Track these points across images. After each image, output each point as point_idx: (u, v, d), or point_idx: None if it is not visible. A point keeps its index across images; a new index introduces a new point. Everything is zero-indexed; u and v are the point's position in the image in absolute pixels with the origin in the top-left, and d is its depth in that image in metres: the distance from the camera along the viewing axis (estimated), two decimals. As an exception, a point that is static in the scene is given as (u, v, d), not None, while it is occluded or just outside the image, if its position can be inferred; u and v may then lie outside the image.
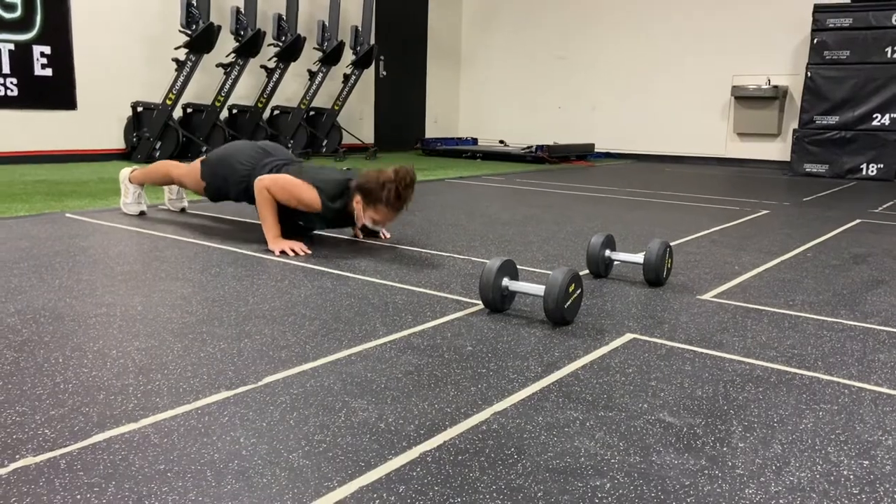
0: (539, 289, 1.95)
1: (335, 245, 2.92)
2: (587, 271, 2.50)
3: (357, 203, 2.72)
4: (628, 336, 1.84)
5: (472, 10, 9.37)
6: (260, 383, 1.46)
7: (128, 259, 2.55)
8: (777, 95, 7.13)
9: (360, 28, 7.23)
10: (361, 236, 3.08)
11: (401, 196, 2.66)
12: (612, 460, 1.19)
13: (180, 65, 5.85)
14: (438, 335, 1.81)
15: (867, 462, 1.21)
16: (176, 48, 5.83)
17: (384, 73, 8.39)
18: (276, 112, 6.96)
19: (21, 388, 1.41)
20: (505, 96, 9.14)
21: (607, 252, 2.47)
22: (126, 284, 2.20)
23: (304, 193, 2.73)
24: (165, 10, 6.08)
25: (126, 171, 3.47)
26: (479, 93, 9.37)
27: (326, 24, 6.91)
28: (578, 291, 1.95)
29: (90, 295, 2.07)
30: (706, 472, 1.16)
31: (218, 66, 6.09)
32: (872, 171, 6.40)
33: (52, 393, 1.39)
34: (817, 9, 6.52)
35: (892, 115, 6.31)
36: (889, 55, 6.26)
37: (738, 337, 1.86)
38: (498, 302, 2.00)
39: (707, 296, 2.28)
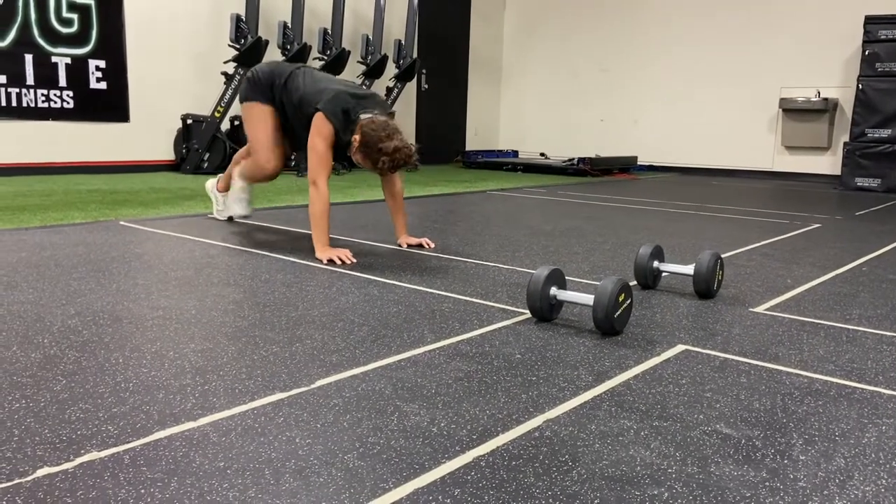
0: (588, 298, 1.93)
1: (380, 255, 2.94)
2: (635, 282, 2.48)
3: (355, 140, 2.78)
4: (680, 347, 1.82)
5: (514, 24, 9.40)
6: (313, 386, 1.48)
7: (181, 265, 2.61)
8: (827, 108, 6.98)
9: (403, 42, 7.31)
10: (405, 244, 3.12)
11: (385, 171, 2.81)
12: (669, 470, 1.17)
13: (229, 78, 5.98)
14: (486, 343, 1.81)
15: (936, 478, 1.17)
16: (225, 62, 5.98)
17: (426, 86, 8.45)
18: (320, 124, 7.05)
19: (84, 386, 1.45)
20: (546, 109, 9.13)
21: (656, 263, 2.44)
22: (180, 289, 2.25)
23: (327, 134, 2.82)
24: (215, 26, 6.24)
25: (211, 182, 3.71)
26: (520, 105, 9.38)
27: (370, 38, 7.01)
28: (628, 301, 1.93)
29: (146, 298, 2.12)
30: (767, 484, 1.14)
31: (265, 79, 6.21)
32: (927, 186, 6.22)
33: (114, 391, 1.42)
34: (868, 20, 6.38)
35: (947, 128, 6.13)
36: (944, 66, 6.10)
37: (795, 350, 1.82)
38: (546, 311, 1.99)
39: (760, 308, 2.24)
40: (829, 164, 7.19)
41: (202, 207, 4.08)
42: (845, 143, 6.65)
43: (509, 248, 3.18)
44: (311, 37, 6.57)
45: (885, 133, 6.36)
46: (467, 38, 9.08)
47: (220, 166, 6.15)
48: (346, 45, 6.81)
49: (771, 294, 2.44)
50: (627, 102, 8.42)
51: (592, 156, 8.16)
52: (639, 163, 8.14)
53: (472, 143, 9.23)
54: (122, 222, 3.49)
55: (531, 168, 7.77)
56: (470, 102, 9.17)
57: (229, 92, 6.00)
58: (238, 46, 5.90)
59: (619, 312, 1.89)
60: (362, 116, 2.79)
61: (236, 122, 6.41)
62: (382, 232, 3.49)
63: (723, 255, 3.09)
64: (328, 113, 2.82)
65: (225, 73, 5.98)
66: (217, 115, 6.04)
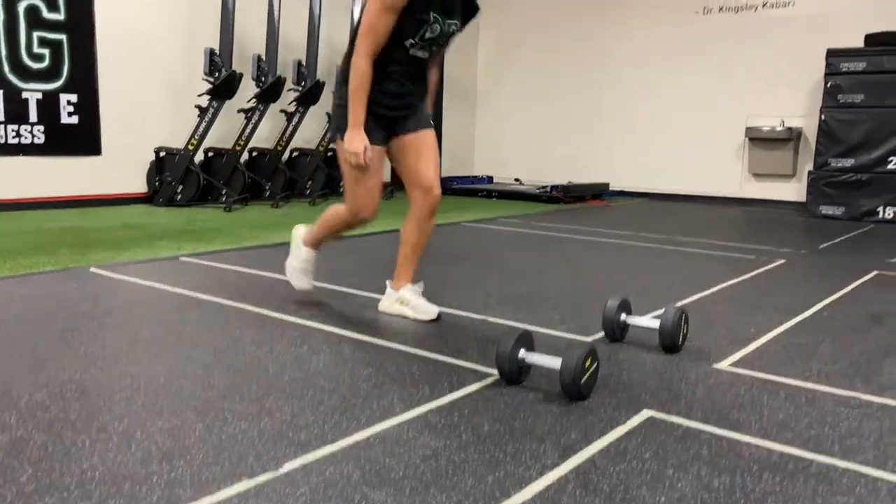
0: (556, 362, 1.97)
1: (353, 303, 2.95)
2: (602, 334, 2.52)
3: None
4: (645, 413, 1.85)
5: (488, 50, 9.50)
6: (280, 471, 1.49)
7: (151, 322, 2.60)
8: (791, 137, 7.15)
9: (377, 72, 7.35)
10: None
11: None
12: (629, 564, 1.20)
13: (203, 111, 5.97)
14: (456, 411, 1.83)
15: (884, 567, 1.21)
16: (199, 95, 5.97)
17: (401, 113, 8.50)
18: (295, 154, 7.07)
19: (50, 475, 1.45)
20: (520, 135, 9.22)
21: (623, 316, 2.49)
22: (149, 352, 2.25)
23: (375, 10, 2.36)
24: (189, 59, 6.23)
25: (301, 230, 3.03)
26: (495, 131, 9.46)
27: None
28: (595, 366, 1.97)
29: (115, 364, 2.12)
30: (722, 578, 1.17)
31: (239, 111, 6.22)
32: (889, 215, 6.37)
33: (80, 482, 1.42)
34: (831, 53, 6.55)
35: (909, 159, 6.30)
36: (904, 99, 6.28)
37: (755, 415, 1.87)
38: (515, 374, 2.02)
39: (723, 364, 2.28)
40: (794, 190, 7.35)
41: (173, 249, 4.07)
42: (810, 172, 6.80)
43: (482, 292, 3.21)
44: (286, 68, 6.58)
45: (847, 163, 6.52)
46: (441, 65, 9.14)
47: (193, 198, 6.13)
48: (320, 75, 6.83)
49: (735, 346, 2.49)
50: (601, 129, 8.54)
51: (566, 182, 8.25)
52: (611, 188, 8.25)
53: (447, 170, 9.29)
54: (93, 269, 3.46)
55: (506, 195, 7.83)
56: (445, 129, 9.22)
57: (203, 125, 5.99)
58: (212, 80, 5.90)
59: (585, 378, 1.92)
60: None
61: (210, 154, 6.40)
62: (352, 273, 3.50)
63: (689, 299, 3.16)
64: None
65: (199, 107, 5.97)
66: (191, 147, 6.02)
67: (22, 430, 1.65)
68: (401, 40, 2.48)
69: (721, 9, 7.67)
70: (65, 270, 3.42)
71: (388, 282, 2.82)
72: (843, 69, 6.49)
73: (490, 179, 9.07)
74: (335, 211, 2.84)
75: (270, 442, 1.62)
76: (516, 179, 8.80)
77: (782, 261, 4.27)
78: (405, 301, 2.72)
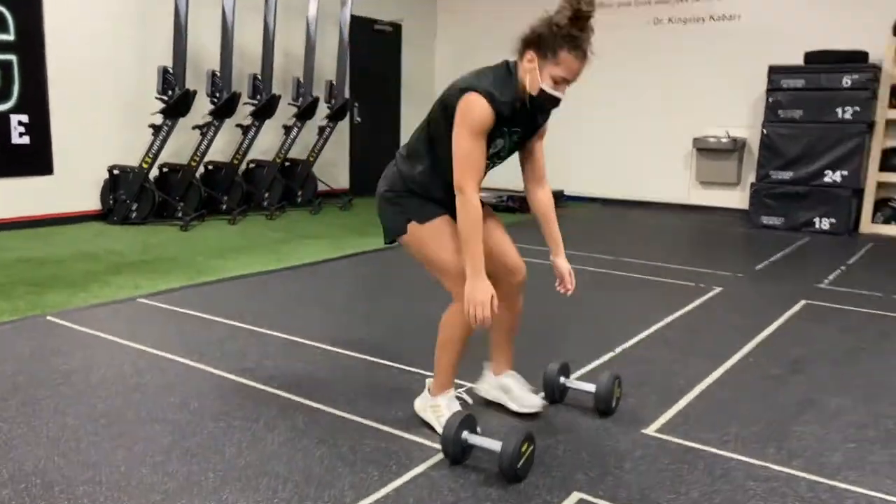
0: (496, 445, 2.13)
1: (310, 357, 3.06)
2: (543, 394, 2.68)
3: (530, 62, 2.12)
4: (575, 497, 2.03)
5: (445, 54, 9.56)
6: (237, 583, 1.62)
7: (109, 389, 2.68)
8: (735, 148, 7.42)
9: (334, 82, 7.38)
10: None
11: (581, 18, 2.04)
12: None
13: (157, 129, 5.96)
14: (402, 501, 1.98)
15: None
16: (153, 114, 5.95)
17: (358, 119, 8.53)
18: (251, 166, 7.09)
19: None
20: (476, 138, 9.32)
21: (562, 379, 2.66)
22: (109, 431, 2.34)
23: (475, 115, 2.10)
24: (140, 77, 6.19)
25: (421, 402, 2.50)
26: (452, 134, 9.55)
27: (301, 80, 7.06)
28: (531, 449, 2.14)
29: (76, 451, 2.21)
30: None
31: (194, 128, 6.21)
32: (825, 226, 6.69)
33: None
34: (772, 70, 6.80)
35: (842, 173, 6.60)
36: (840, 115, 6.56)
37: (672, 494, 2.06)
38: (458, 456, 2.18)
39: (651, 429, 2.47)
40: (738, 198, 7.63)
41: (130, 287, 4.12)
42: (752, 184, 7.08)
43: (431, 339, 3.34)
44: (242, 80, 6.57)
45: (787, 175, 6.81)
46: (398, 69, 9.19)
47: (148, 216, 6.14)
48: (276, 88, 6.84)
49: (664, 404, 2.68)
50: (555, 135, 8.68)
51: (522, 191, 8.41)
52: (566, 193, 8.44)
53: (404, 172, 9.36)
54: (49, 318, 3.51)
55: (461, 203, 7.96)
56: (403, 133, 9.29)
57: (157, 143, 5.99)
58: (165, 98, 5.89)
59: (521, 462, 2.09)
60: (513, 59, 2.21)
61: (164, 170, 6.39)
62: (317, 320, 3.60)
63: (626, 344, 3.35)
64: (474, 88, 2.12)
65: (153, 126, 5.95)
66: (145, 165, 6.02)
67: (-10, 540, 1.76)
68: None
69: (670, 20, 7.86)
70: (22, 320, 3.47)
71: (485, 363, 2.64)
72: (784, 85, 6.76)
73: (447, 184, 9.19)
74: (446, 325, 2.43)
75: (227, 546, 1.76)
76: (473, 184, 8.94)
77: (719, 289, 4.50)
78: (507, 389, 2.58)
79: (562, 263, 2.56)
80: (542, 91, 2.13)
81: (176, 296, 3.99)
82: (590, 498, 2.03)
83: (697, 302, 4.19)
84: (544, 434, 2.40)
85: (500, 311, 2.38)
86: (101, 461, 2.15)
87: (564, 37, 2.05)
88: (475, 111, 2.11)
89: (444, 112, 2.21)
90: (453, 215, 2.24)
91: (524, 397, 2.55)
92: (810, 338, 3.55)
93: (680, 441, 2.39)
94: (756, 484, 2.13)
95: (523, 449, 2.09)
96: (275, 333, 3.37)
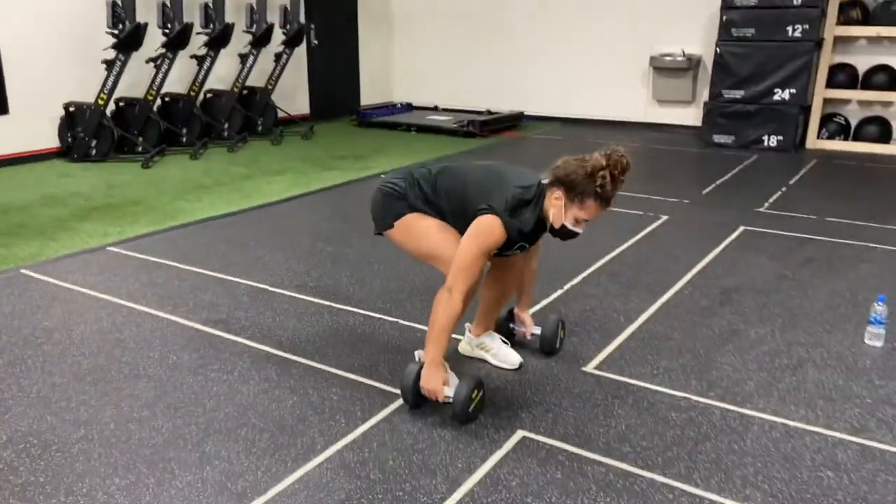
0: (449, 391, 2.38)
1: (278, 305, 3.26)
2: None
3: (557, 199, 2.32)
4: (519, 434, 2.31)
5: (401, -33, 9.35)
6: (225, 528, 1.88)
7: (91, 346, 2.87)
8: (690, 66, 7.53)
9: (288, 7, 7.24)
10: (528, 334, 2.83)
11: (616, 183, 2.28)
12: None
13: (110, 65, 5.88)
14: (367, 447, 2.23)
15: (664, 583, 1.72)
16: (104, 49, 5.85)
17: (315, 41, 8.40)
18: (209, 96, 7.03)
19: (35, 550, 1.80)
20: (437, 59, 9.27)
21: (511, 325, 2.91)
22: (95, 389, 2.55)
23: (489, 240, 2.30)
24: (90, 12, 6.05)
25: (465, 345, 2.82)
26: (412, 56, 9.48)
27: (255, 6, 6.92)
28: (481, 394, 2.40)
29: (66, 409, 2.42)
30: None
31: (148, 61, 6.13)
32: (773, 143, 6.94)
33: (62, 556, 1.78)
34: (727, -12, 6.86)
35: (790, 91, 6.80)
36: (790, 34, 6.69)
37: (604, 428, 2.35)
38: (415, 403, 2.43)
39: (590, 367, 2.75)
40: (693, 115, 7.81)
41: (99, 235, 4.24)
42: (705, 103, 7.25)
43: (395, 285, 3.56)
44: (193, 12, 6.43)
45: (738, 94, 6.98)
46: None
47: (108, 152, 6.14)
48: (229, 16, 6.71)
49: (604, 340, 2.96)
50: (515, 55, 8.69)
51: (483, 108, 8.50)
52: (526, 113, 8.52)
53: (366, 98, 9.33)
54: (24, 271, 3.64)
55: (424, 129, 8.03)
56: (362, 55, 9.18)
57: (111, 78, 5.92)
58: (116, 32, 5.78)
59: (472, 406, 2.35)
60: (544, 182, 2.40)
61: (121, 104, 6.34)
62: (282, 265, 3.78)
63: (573, 281, 3.60)
64: (500, 215, 2.29)
65: (106, 61, 5.86)
66: (101, 101, 5.96)
67: (1, 499, 1.98)
68: None
69: (627, -66, 7.78)
70: (-3, 276, 3.61)
71: (466, 325, 2.82)
72: (737, 3, 6.83)
73: (409, 107, 9.19)
74: (442, 306, 2.37)
75: (213, 496, 2.00)
76: (435, 107, 8.96)
77: (666, 217, 4.75)
78: (486, 348, 2.77)
79: (527, 318, 2.88)
80: (563, 226, 2.36)
81: (143, 243, 4.12)
82: (532, 435, 2.31)
83: (645, 231, 4.44)
84: (494, 376, 2.67)
85: (496, 285, 2.70)
86: (92, 419, 2.37)
87: (597, 191, 2.26)
88: (493, 238, 2.31)
89: (463, 195, 2.40)
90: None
91: (506, 353, 2.77)
92: (741, 267, 3.84)
93: (614, 377, 2.68)
94: (676, 415, 2.43)
95: (473, 395, 2.35)
96: (244, 281, 3.56)
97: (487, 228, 2.29)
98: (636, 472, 2.13)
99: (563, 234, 2.39)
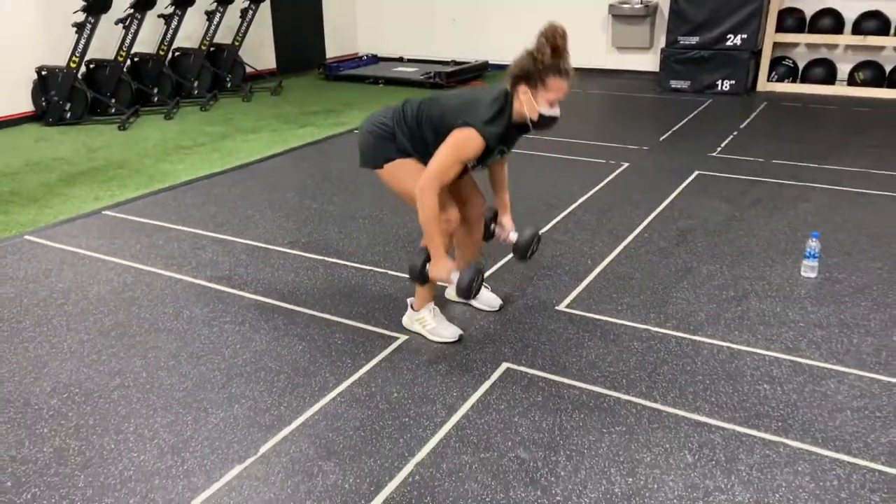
0: (455, 276, 2.62)
1: (274, 260, 3.53)
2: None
3: (524, 94, 2.50)
4: (504, 366, 2.66)
5: (360, -85, 9.31)
6: (259, 454, 2.20)
7: (108, 305, 3.12)
8: (648, 13, 7.78)
9: (252, -38, 7.27)
10: (505, 237, 2.94)
11: (559, 49, 2.42)
12: (487, 498, 2.03)
13: (80, 28, 5.92)
14: (372, 382, 2.56)
15: (631, 479, 2.10)
16: (74, 12, 5.87)
17: (279, -6, 8.43)
18: (177, 54, 7.08)
19: (98, 479, 2.10)
20: (401, 10, 9.34)
21: (493, 225, 2.98)
22: (121, 343, 2.82)
23: (467, 150, 2.51)
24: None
25: (408, 317, 2.92)
26: (377, 5, 9.52)
27: (218, -38, 6.94)
28: (481, 279, 2.67)
29: (98, 362, 2.70)
30: (539, 501, 2.02)
31: (117, 23, 6.17)
32: (726, 87, 7.29)
33: (122, 481, 2.09)
34: (681, -64, 7.07)
35: (742, 36, 7.13)
36: (742, -19, 6.97)
37: (577, 357, 2.71)
38: (422, 280, 2.69)
39: (562, 306, 3.10)
40: (651, 62, 8.10)
41: (91, 199, 4.42)
42: (662, 50, 7.54)
43: (381, 237, 3.86)
44: (157, -32, 6.45)
45: (693, 41, 7.28)
46: None
47: (82, 115, 6.22)
48: (193, -28, 6.73)
49: (573, 282, 3.31)
50: (478, 3, 8.82)
51: (448, 59, 8.65)
52: (490, 62, 8.71)
53: (332, 51, 9.39)
54: (27, 237, 3.84)
55: (392, 81, 8.18)
56: (325, 6, 9.20)
57: (82, 41, 5.96)
58: (84, -4, 5.81)
59: (475, 287, 2.62)
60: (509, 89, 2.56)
61: (92, 66, 6.39)
62: (273, 223, 4.03)
63: (545, 228, 3.93)
64: (475, 125, 2.49)
65: (76, 24, 5.90)
66: (73, 65, 6.02)
67: (59, 440, 2.27)
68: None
69: None
70: (2, 242, 3.79)
71: (409, 300, 2.96)
72: (692, -48, 7.06)
73: (375, 59, 9.29)
74: (421, 210, 2.61)
75: (245, 429, 2.32)
76: (400, 58, 9.08)
77: (627, 164, 5.09)
78: (424, 323, 2.88)
79: (507, 222, 2.97)
80: (541, 115, 2.52)
81: (137, 206, 4.33)
82: (514, 366, 2.66)
83: (608, 179, 4.78)
84: (479, 317, 3.01)
85: (466, 235, 2.97)
86: (124, 369, 2.65)
87: (549, 67, 2.42)
88: (470, 147, 2.51)
89: (440, 121, 2.60)
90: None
91: (487, 298, 3.08)
92: (695, 209, 4.21)
93: (584, 314, 3.04)
94: (638, 344, 2.81)
95: (473, 280, 2.61)
96: (238, 240, 3.81)
97: (465, 139, 2.50)
98: (605, 393, 2.50)
99: (545, 122, 2.54)
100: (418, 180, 2.59)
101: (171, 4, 6.58)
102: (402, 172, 2.72)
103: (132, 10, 6.21)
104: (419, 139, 2.69)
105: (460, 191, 2.87)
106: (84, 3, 5.82)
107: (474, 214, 2.95)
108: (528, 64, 2.47)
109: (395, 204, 4.31)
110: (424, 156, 2.67)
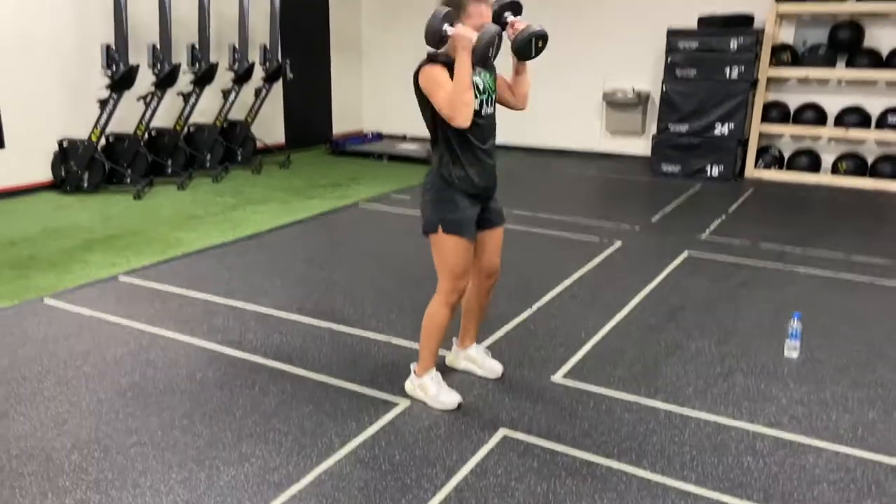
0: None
1: (286, 327, 3.70)
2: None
3: (455, 29, 2.68)
4: (501, 433, 2.80)
5: (371, 4, 9.87)
6: (270, 510, 2.33)
7: (125, 366, 3.28)
8: (640, 101, 8.22)
9: (268, 46, 7.70)
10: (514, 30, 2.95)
11: None
12: (484, 555, 2.15)
13: (103, 103, 6.26)
14: (376, 445, 2.70)
15: (620, 541, 2.23)
16: (99, 89, 6.23)
17: (291, 75, 8.85)
18: (192, 129, 7.42)
19: (118, 530, 2.22)
20: (404, 88, 9.77)
21: (506, 14, 2.98)
22: (137, 402, 2.97)
23: (435, 76, 2.75)
24: (81, 52, 6.49)
25: (410, 382, 3.07)
26: (381, 84, 9.99)
27: (237, 46, 7.36)
28: (498, 39, 2.70)
29: (116, 420, 2.83)
30: (533, 559, 2.14)
31: (139, 99, 6.52)
32: (715, 172, 7.64)
33: (142, 534, 2.21)
34: (670, 33, 7.56)
35: (729, 126, 7.51)
36: (728, 75, 7.41)
37: (571, 426, 2.86)
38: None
39: (557, 376, 3.26)
40: (643, 146, 8.48)
41: (108, 265, 4.62)
42: (653, 136, 7.92)
43: (385, 305, 4.04)
44: (180, 50, 6.85)
45: (683, 128, 7.67)
46: (327, 20, 9.48)
47: (98, 185, 6.49)
48: (213, 54, 7.13)
49: (568, 352, 3.48)
50: (477, 86, 9.27)
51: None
52: (489, 142, 9.09)
53: (338, 128, 9.80)
54: (47, 301, 4.02)
55: (395, 157, 8.54)
56: (334, 86, 9.67)
57: (104, 116, 6.29)
58: (110, 74, 6.16)
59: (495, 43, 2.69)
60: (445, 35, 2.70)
61: (111, 139, 6.70)
62: (281, 290, 4.22)
63: (539, 303, 4.12)
64: (420, 64, 2.80)
65: (100, 100, 6.24)
66: (94, 137, 6.33)
67: (80, 493, 2.40)
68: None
69: (581, -20, 8.46)
70: (23, 305, 3.96)
71: (454, 339, 3.27)
72: (680, 47, 7.53)
73: (380, 136, 9.69)
74: (431, 316, 2.95)
75: (255, 486, 2.45)
76: (403, 136, 9.47)
77: (619, 243, 5.33)
78: (472, 359, 3.23)
79: (520, 24, 2.98)
80: (478, 37, 2.65)
81: (151, 272, 4.52)
82: (511, 433, 2.80)
83: (601, 257, 5.00)
84: (479, 385, 3.16)
85: (472, 302, 3.17)
86: (141, 427, 2.79)
87: None
88: (433, 72, 2.73)
89: (421, 98, 2.83)
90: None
91: (489, 365, 3.25)
92: (685, 289, 4.41)
93: (578, 385, 3.20)
94: (629, 415, 2.96)
95: (494, 37, 2.66)
96: (249, 307, 3.99)
97: (425, 75, 2.76)
98: (597, 461, 2.64)
99: (484, 44, 2.64)
100: (457, 258, 2.86)
101: (191, 83, 6.96)
102: (447, 245, 2.88)
103: (153, 88, 6.57)
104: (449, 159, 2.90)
105: (483, 256, 3.04)
106: (109, 81, 6.18)
107: (485, 285, 3.14)
108: (448, 3, 2.70)
109: (399, 275, 4.54)
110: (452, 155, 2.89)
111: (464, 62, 2.65)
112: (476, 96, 2.81)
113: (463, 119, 2.69)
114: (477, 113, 2.82)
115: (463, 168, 2.89)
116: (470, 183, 2.90)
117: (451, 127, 2.77)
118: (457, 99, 2.66)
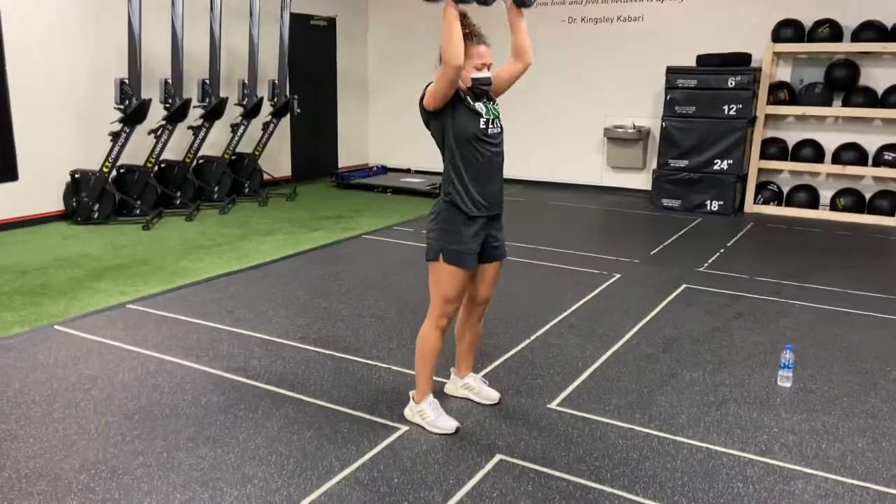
0: None
1: (287, 354, 3.79)
2: None
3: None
4: (497, 458, 2.87)
5: (377, 43, 10.14)
6: (271, 529, 2.40)
7: (132, 390, 3.36)
8: (640, 137, 8.37)
9: (276, 82, 7.91)
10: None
11: (463, 18, 2.82)
12: (478, 575, 2.21)
13: (116, 136, 6.43)
14: (375, 468, 2.77)
15: (610, 562, 2.28)
16: (111, 122, 6.41)
17: (298, 110, 9.06)
18: (201, 161, 7.60)
19: (123, 547, 2.29)
20: (409, 124, 9.97)
21: None
22: (143, 426, 3.05)
23: (434, 89, 2.96)
24: (95, 85, 6.69)
25: (409, 409, 3.15)
26: (387, 121, 10.20)
27: (246, 82, 7.57)
28: None
29: (123, 442, 2.91)
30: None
31: (150, 133, 6.70)
32: (715, 207, 7.75)
33: (146, 551, 2.28)
34: (669, 70, 7.74)
35: (728, 161, 7.65)
36: (726, 112, 7.57)
37: (566, 452, 2.92)
38: None
39: (554, 403, 3.34)
40: (644, 181, 8.62)
41: (116, 294, 4.73)
42: (654, 170, 8.06)
43: (386, 335, 4.13)
44: (191, 85, 7.05)
45: (683, 164, 7.81)
46: (334, 60, 9.72)
47: (109, 216, 6.64)
48: (222, 89, 7.34)
49: (565, 381, 3.55)
50: (481, 121, 9.45)
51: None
52: (492, 176, 9.24)
53: (344, 161, 9.99)
54: (57, 327, 4.12)
55: (399, 190, 8.69)
56: (340, 120, 9.88)
57: (116, 149, 6.46)
58: (122, 108, 6.35)
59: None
60: None
61: (122, 170, 6.87)
62: (285, 319, 4.32)
63: (540, 331, 4.20)
64: (425, 87, 2.98)
65: (112, 133, 6.42)
66: (105, 170, 6.49)
67: (86, 512, 2.47)
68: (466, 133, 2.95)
69: (583, 19, 8.67)
70: (34, 331, 4.07)
71: (452, 369, 3.40)
72: (679, 84, 7.71)
73: (385, 169, 9.87)
74: (423, 339, 3.08)
75: (258, 506, 2.52)
76: (408, 169, 9.64)
77: (619, 275, 5.42)
78: (470, 387, 3.34)
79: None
80: (473, 79, 2.93)
81: (159, 301, 4.63)
82: (507, 458, 2.87)
83: (600, 288, 5.09)
84: (477, 411, 3.24)
85: (462, 328, 3.28)
86: (146, 449, 2.87)
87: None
88: (431, 90, 2.95)
89: (427, 118, 3.07)
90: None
91: (486, 392, 3.34)
92: (681, 320, 4.49)
93: (574, 412, 3.27)
94: (623, 442, 3.02)
95: None
96: (253, 334, 4.08)
97: (428, 89, 2.97)
98: (591, 485, 2.70)
99: (479, 83, 2.96)
100: (452, 286, 2.98)
101: (201, 118, 7.14)
102: (444, 273, 2.98)
103: (165, 122, 6.75)
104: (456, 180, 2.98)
105: (479, 286, 3.14)
106: (122, 115, 6.36)
107: (476, 312, 3.24)
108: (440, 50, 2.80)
109: (400, 305, 4.62)
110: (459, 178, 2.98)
111: (448, 4, 2.74)
112: (482, 116, 3.01)
113: (454, 54, 2.75)
114: (482, 131, 2.97)
115: (467, 184, 2.95)
116: (474, 200, 2.95)
117: (457, 141, 2.96)
118: (445, 33, 2.74)
